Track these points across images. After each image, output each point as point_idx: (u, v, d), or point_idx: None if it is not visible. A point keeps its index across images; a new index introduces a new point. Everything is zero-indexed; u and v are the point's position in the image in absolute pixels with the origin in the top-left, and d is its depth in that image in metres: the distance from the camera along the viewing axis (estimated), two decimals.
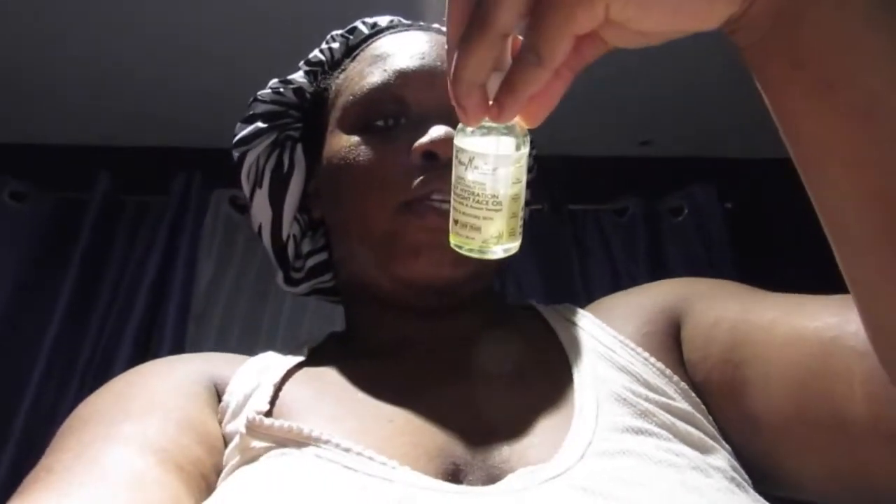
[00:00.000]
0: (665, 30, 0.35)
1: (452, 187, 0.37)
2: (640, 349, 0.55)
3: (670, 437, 0.48)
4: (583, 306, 0.64)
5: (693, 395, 0.52)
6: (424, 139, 0.54)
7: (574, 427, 0.47)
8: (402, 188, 0.55)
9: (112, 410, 0.48)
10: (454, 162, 0.37)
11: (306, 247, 0.69)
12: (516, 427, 0.49)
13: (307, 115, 0.68)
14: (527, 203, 0.41)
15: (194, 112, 1.79)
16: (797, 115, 0.36)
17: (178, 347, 1.61)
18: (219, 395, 0.54)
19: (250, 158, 0.66)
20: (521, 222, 0.38)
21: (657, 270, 1.78)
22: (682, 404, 0.51)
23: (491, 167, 0.35)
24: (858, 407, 0.43)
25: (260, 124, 0.66)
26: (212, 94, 1.70)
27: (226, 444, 0.50)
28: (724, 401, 0.51)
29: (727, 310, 0.53)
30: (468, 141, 0.36)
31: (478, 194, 0.36)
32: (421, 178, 0.54)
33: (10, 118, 1.89)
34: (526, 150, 0.36)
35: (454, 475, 0.45)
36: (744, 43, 0.37)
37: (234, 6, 1.54)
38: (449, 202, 0.53)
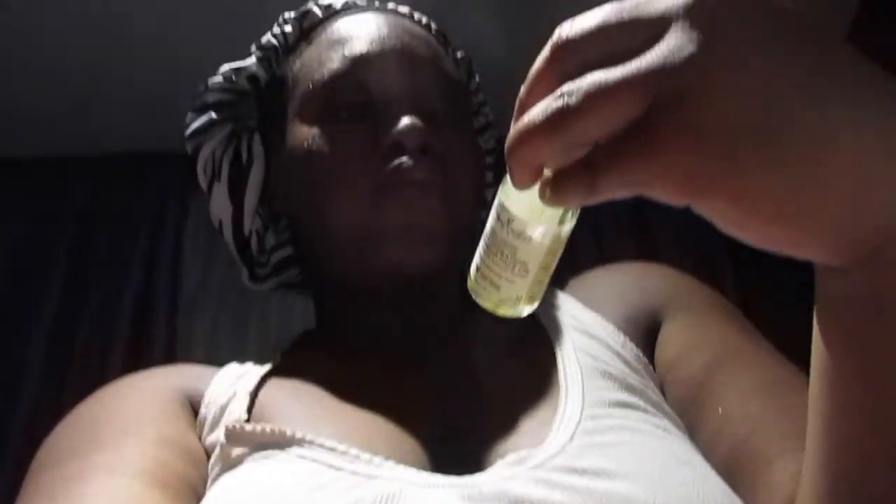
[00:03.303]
0: (756, 241, 0.28)
1: (484, 234, 0.35)
2: (619, 332, 0.55)
3: (656, 412, 0.48)
4: (566, 277, 0.63)
5: (660, 391, 0.52)
6: (392, 130, 0.53)
7: (561, 406, 0.46)
8: (369, 174, 0.53)
9: (83, 443, 0.46)
10: (492, 212, 0.34)
11: (270, 241, 0.67)
12: (503, 412, 0.48)
13: (263, 103, 0.65)
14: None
15: (165, 115, 1.76)
16: (848, 343, 0.31)
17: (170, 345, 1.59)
18: (194, 408, 0.52)
19: (206, 151, 0.64)
20: (543, 289, 0.36)
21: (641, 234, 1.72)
22: (658, 393, 0.51)
23: (528, 234, 0.33)
24: None
25: (213, 115, 0.63)
26: (182, 95, 1.66)
27: (208, 456, 0.49)
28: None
29: (707, 343, 0.52)
30: (510, 198, 0.33)
31: (507, 255, 0.34)
32: (388, 161, 0.53)
33: None
34: (571, 225, 0.33)
35: (442, 466, 0.44)
36: (838, 283, 0.30)
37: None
38: (420, 179, 0.52)
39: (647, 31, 0.27)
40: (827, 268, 0.29)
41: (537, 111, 0.28)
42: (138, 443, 0.45)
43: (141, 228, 1.74)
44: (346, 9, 0.64)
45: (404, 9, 0.65)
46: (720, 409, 0.48)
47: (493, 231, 0.34)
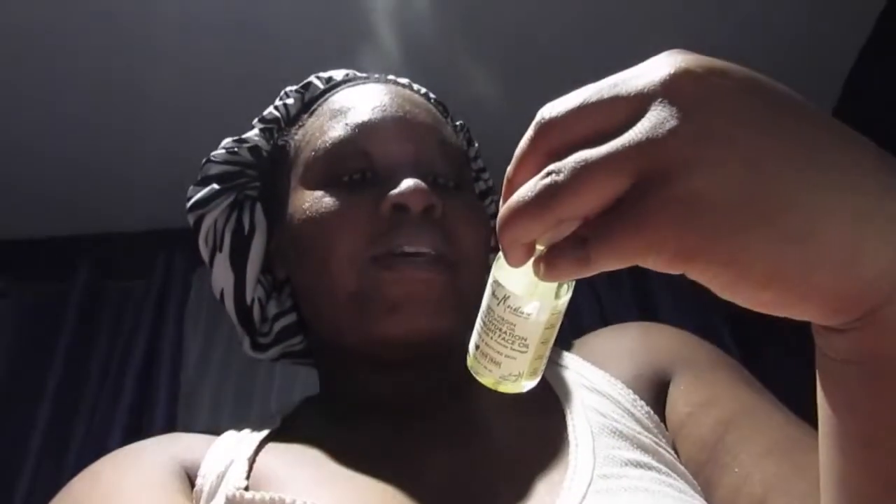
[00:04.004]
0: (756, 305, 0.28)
1: (481, 312, 0.35)
2: (629, 390, 0.54)
3: (669, 472, 0.47)
4: (569, 339, 0.62)
5: (672, 450, 0.51)
6: (395, 191, 0.53)
7: (571, 466, 0.45)
8: (370, 242, 0.53)
9: None
10: (488, 289, 0.34)
11: (273, 309, 0.67)
12: (512, 473, 0.47)
13: (264, 174, 0.66)
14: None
15: (167, 194, 1.79)
16: (852, 406, 0.31)
17: (170, 429, 1.56)
18: (190, 479, 0.51)
19: (208, 222, 0.64)
20: (544, 363, 0.36)
21: (643, 300, 1.73)
22: (671, 452, 0.50)
23: (525, 310, 0.33)
24: None
25: (215, 186, 0.64)
26: (183, 176, 1.69)
27: None
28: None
29: (718, 401, 0.52)
30: (505, 275, 0.33)
31: (505, 332, 0.34)
32: (391, 230, 0.53)
33: None
34: (567, 297, 0.34)
35: None
36: (836, 343, 0.30)
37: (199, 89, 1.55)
38: (421, 254, 0.53)
39: (627, 108, 0.27)
40: (824, 328, 0.29)
41: (526, 189, 0.29)
42: None
43: (144, 306, 1.75)
44: (347, 81, 0.66)
45: (403, 80, 0.67)
46: (736, 469, 0.47)
47: (489, 308, 0.34)
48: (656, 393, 0.55)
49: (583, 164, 0.27)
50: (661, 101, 0.27)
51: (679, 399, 0.53)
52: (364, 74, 0.67)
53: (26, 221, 1.91)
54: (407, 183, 0.53)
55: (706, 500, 0.47)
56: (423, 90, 0.68)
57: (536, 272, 0.30)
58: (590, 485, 0.43)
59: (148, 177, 1.78)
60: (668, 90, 0.27)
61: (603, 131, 0.28)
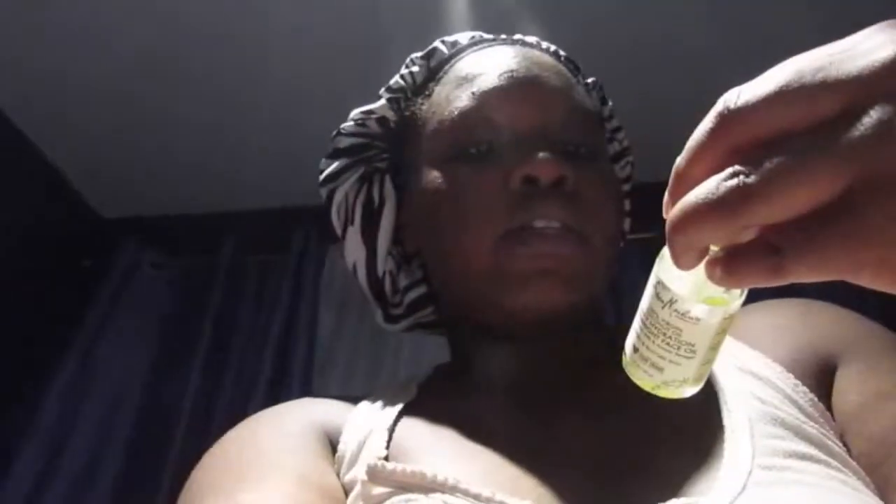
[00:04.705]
0: None
1: (641, 312, 0.32)
2: (790, 374, 0.49)
3: (840, 465, 0.42)
4: None
5: (841, 443, 0.45)
6: (524, 164, 0.51)
7: (728, 453, 0.42)
8: (502, 217, 0.52)
9: (227, 478, 0.47)
10: (649, 289, 0.32)
11: (403, 281, 0.67)
12: (658, 455, 0.44)
13: (393, 145, 0.65)
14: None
15: (305, 172, 1.85)
16: None
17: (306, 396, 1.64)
18: (333, 444, 0.52)
19: (339, 196, 0.65)
20: (710, 368, 0.33)
21: None
22: (840, 445, 0.45)
23: (694, 315, 0.30)
24: None
25: (345, 159, 0.64)
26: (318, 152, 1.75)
27: (346, 493, 0.48)
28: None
29: (895, 395, 0.46)
30: (670, 276, 0.30)
31: (670, 337, 0.31)
32: (522, 204, 0.51)
33: (143, 191, 2.04)
34: (741, 300, 0.30)
35: None
36: None
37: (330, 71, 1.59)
38: (553, 228, 0.51)
39: (838, 100, 0.23)
40: None
41: (707, 190, 0.25)
42: (281, 483, 0.45)
43: (282, 280, 1.84)
44: (473, 44, 0.64)
45: (532, 39, 0.64)
46: None
47: (652, 310, 0.31)
48: (820, 379, 0.49)
49: (784, 165, 0.23)
50: (882, 95, 0.22)
51: (850, 388, 0.48)
52: (490, 36, 0.65)
53: (179, 198, 2.05)
54: (536, 154, 0.51)
55: (883, 501, 0.41)
56: (553, 48, 0.64)
57: (711, 276, 0.27)
58: (749, 475, 0.40)
59: (290, 154, 1.85)
60: (891, 80, 0.22)
61: (802, 126, 0.24)
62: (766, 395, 0.47)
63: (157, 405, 1.72)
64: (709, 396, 0.48)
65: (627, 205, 0.67)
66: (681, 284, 0.30)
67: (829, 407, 0.48)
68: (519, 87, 0.56)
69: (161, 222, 2.08)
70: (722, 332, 0.31)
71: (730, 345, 0.53)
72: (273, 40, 1.61)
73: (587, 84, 0.65)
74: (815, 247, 0.23)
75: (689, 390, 0.33)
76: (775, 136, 0.24)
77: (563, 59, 0.64)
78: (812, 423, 0.45)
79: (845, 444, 0.46)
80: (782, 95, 0.24)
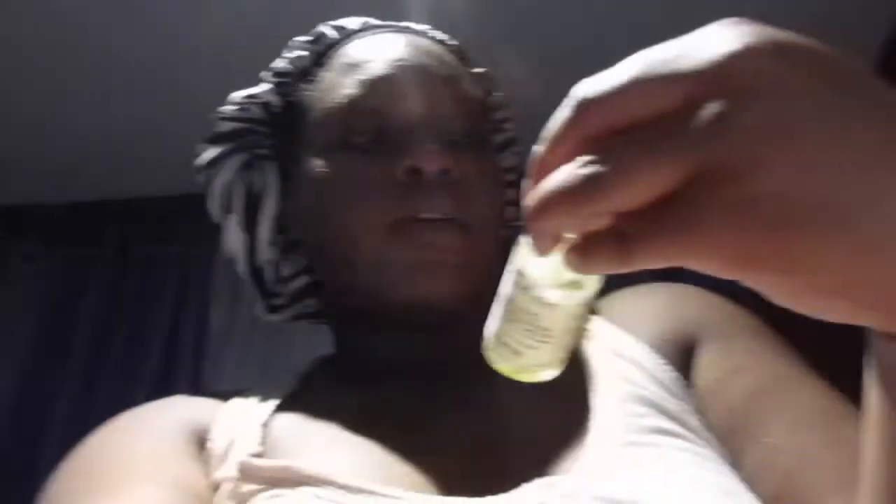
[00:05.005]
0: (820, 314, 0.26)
1: (500, 298, 0.33)
2: (656, 355, 0.52)
3: (697, 439, 0.45)
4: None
5: (700, 417, 0.49)
6: (409, 155, 0.51)
7: (595, 431, 0.44)
8: (387, 208, 0.52)
9: (84, 486, 0.45)
10: (508, 276, 0.32)
11: (286, 271, 0.65)
12: (530, 437, 0.46)
13: (277, 131, 0.64)
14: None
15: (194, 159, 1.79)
16: None
17: (197, 393, 1.59)
18: (202, 441, 0.50)
19: (218, 182, 0.63)
20: (569, 353, 0.34)
21: None
22: (698, 419, 0.48)
23: (551, 301, 0.31)
24: None
25: (225, 144, 0.62)
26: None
27: (215, 492, 0.46)
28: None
29: (750, 369, 0.50)
30: (529, 264, 0.31)
31: (528, 322, 0.32)
32: (407, 195, 0.51)
33: (13, 179, 1.90)
34: (596, 287, 0.31)
35: (465, 493, 0.41)
36: None
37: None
38: (438, 218, 0.51)
39: (682, 92, 0.24)
40: (886, 334, 0.27)
41: (562, 178, 0.26)
42: (144, 489, 0.44)
43: (169, 271, 1.77)
44: (361, 30, 0.63)
45: (421, 27, 0.64)
46: (767, 439, 0.45)
47: (511, 297, 0.32)
48: (683, 358, 0.52)
49: (631, 155, 0.24)
50: (722, 87, 0.23)
51: (709, 365, 0.51)
52: (379, 22, 0.64)
53: (55, 186, 1.93)
54: (421, 145, 0.51)
55: (734, 469, 0.45)
56: (442, 37, 0.65)
57: (566, 262, 0.27)
58: (613, 451, 0.42)
59: (176, 142, 1.78)
60: (730, 74, 0.23)
61: (652, 116, 0.25)
62: (634, 376, 0.49)
63: (32, 407, 1.62)
64: (582, 379, 0.50)
65: (515, 194, 0.69)
66: (539, 271, 0.30)
67: (691, 384, 0.51)
68: (406, 77, 0.56)
69: (35, 211, 1.95)
70: (578, 317, 0.32)
71: (603, 329, 0.55)
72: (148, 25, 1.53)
73: (475, 73, 0.66)
74: (655, 234, 0.24)
75: (548, 373, 0.34)
76: (627, 125, 0.25)
77: (452, 47, 0.64)
78: (674, 400, 0.48)
79: (704, 418, 0.49)
80: (632, 86, 0.25)
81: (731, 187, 0.23)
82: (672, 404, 0.47)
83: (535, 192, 0.27)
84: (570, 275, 0.29)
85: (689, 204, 0.24)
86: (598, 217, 0.26)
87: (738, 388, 0.49)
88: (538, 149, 0.28)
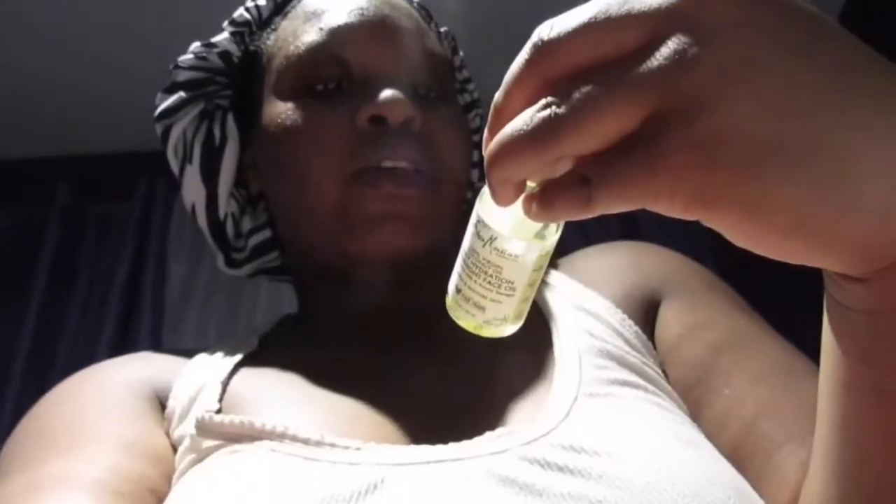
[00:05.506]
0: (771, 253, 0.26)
1: (463, 252, 0.32)
2: (618, 309, 0.52)
3: (657, 390, 0.46)
4: (554, 258, 0.61)
5: (660, 370, 0.50)
6: (372, 102, 0.50)
7: (557, 383, 0.44)
8: (349, 157, 0.51)
9: (39, 450, 0.44)
10: (470, 228, 0.31)
11: (247, 224, 0.65)
12: (493, 390, 0.46)
13: (236, 81, 0.62)
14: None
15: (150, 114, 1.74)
16: (866, 355, 0.30)
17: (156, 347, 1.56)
18: (162, 400, 0.50)
19: (176, 132, 0.61)
20: (529, 305, 0.33)
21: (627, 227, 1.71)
22: (658, 371, 0.49)
23: (513, 252, 0.30)
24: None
25: (183, 93, 0.60)
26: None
27: (176, 450, 0.46)
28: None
29: (712, 324, 0.51)
30: (490, 214, 0.30)
31: (491, 275, 0.31)
32: (369, 144, 0.50)
33: None
34: (557, 236, 0.31)
35: (427, 442, 0.41)
36: (855, 293, 0.28)
37: None
38: (401, 169, 0.50)
39: (641, 30, 0.24)
40: (842, 277, 0.27)
41: (520, 122, 0.25)
42: (95, 450, 0.43)
43: (126, 229, 1.72)
44: None
45: None
46: (727, 392, 0.47)
47: (473, 250, 0.31)
48: (646, 314, 0.53)
49: (590, 95, 0.24)
50: (682, 25, 0.23)
51: (672, 320, 0.52)
52: None
53: (1, 142, 1.86)
54: (385, 93, 0.50)
55: (694, 421, 0.46)
56: None
57: (527, 211, 0.27)
58: (574, 402, 0.42)
59: (130, 95, 1.73)
60: (691, 11, 0.23)
61: (611, 56, 0.24)
62: (596, 330, 0.50)
63: None
64: (545, 333, 0.50)
65: (476, 156, 0.69)
66: (501, 222, 0.30)
67: (652, 339, 0.53)
68: (370, 26, 0.55)
69: None
70: (539, 268, 0.32)
71: (566, 284, 0.56)
72: None
73: (439, 32, 0.65)
74: (616, 176, 0.24)
75: (510, 328, 0.33)
76: (586, 67, 0.25)
77: (416, 4, 0.63)
78: (635, 353, 0.49)
79: (665, 372, 0.50)
80: (590, 27, 0.24)
81: (694, 124, 0.23)
82: (634, 358, 0.48)
83: (495, 139, 0.26)
84: (532, 225, 0.29)
85: (652, 142, 0.23)
86: (558, 163, 0.26)
87: (701, 343, 0.50)
88: (497, 95, 0.27)
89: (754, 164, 0.23)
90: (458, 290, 0.33)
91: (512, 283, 0.31)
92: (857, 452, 0.32)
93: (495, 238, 0.30)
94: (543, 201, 0.26)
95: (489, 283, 0.31)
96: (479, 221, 0.31)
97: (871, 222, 0.23)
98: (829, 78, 0.23)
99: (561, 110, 0.24)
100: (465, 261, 0.32)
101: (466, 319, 0.33)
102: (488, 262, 0.31)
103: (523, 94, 0.26)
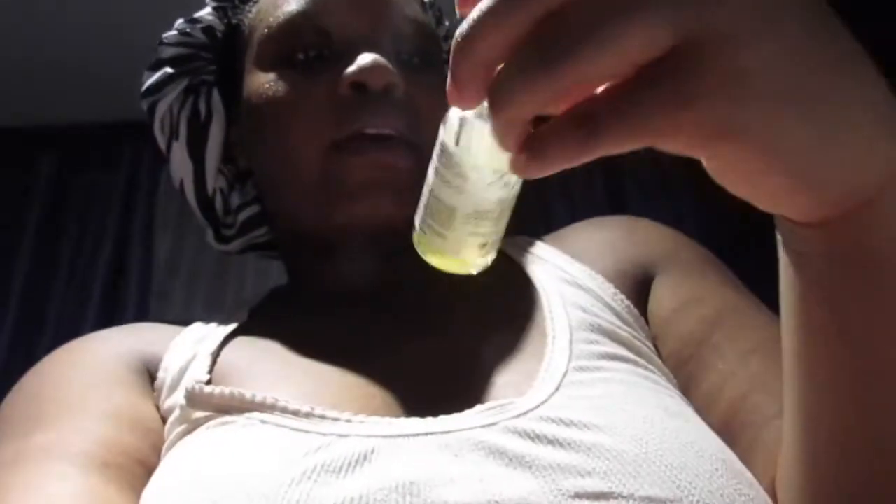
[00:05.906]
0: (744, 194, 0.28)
1: (427, 184, 0.32)
2: (610, 284, 0.53)
3: (647, 364, 0.47)
4: (541, 232, 0.61)
5: (652, 345, 0.50)
6: (352, 68, 0.50)
7: (548, 357, 0.45)
8: (331, 125, 0.51)
9: (25, 421, 0.45)
10: (435, 157, 0.30)
11: (236, 200, 0.65)
12: (484, 363, 0.46)
13: (221, 55, 0.62)
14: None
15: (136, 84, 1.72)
16: (826, 298, 0.31)
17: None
18: (151, 372, 0.50)
19: (162, 108, 0.61)
20: (498, 243, 0.33)
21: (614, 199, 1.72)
22: (650, 346, 0.50)
23: (480, 182, 0.30)
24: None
25: (168, 70, 0.60)
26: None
27: (165, 422, 0.47)
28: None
29: (704, 299, 0.51)
30: (458, 145, 0.29)
31: (457, 207, 0.30)
32: (351, 111, 0.50)
33: None
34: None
35: (417, 414, 0.42)
36: (814, 239, 0.29)
37: None
38: (384, 136, 0.50)
39: None
40: (802, 225, 0.29)
41: (531, 50, 0.23)
42: (83, 421, 0.44)
43: (111, 201, 1.71)
44: None
45: None
46: (720, 366, 0.47)
47: (438, 180, 0.31)
48: (639, 288, 0.54)
49: (613, 15, 0.22)
50: None
51: (664, 296, 0.53)
52: None
53: None
54: (364, 58, 0.50)
55: (686, 396, 0.47)
56: None
57: (516, 166, 0.26)
58: (565, 375, 0.43)
59: (115, 66, 1.70)
60: None
61: None
62: (588, 304, 0.50)
63: None
64: (537, 307, 0.51)
65: None
66: (467, 154, 0.29)
67: (644, 314, 0.53)
68: None
69: None
70: (509, 199, 0.31)
71: (557, 257, 0.56)
72: None
73: (423, 2, 0.65)
74: (634, 107, 0.23)
75: (477, 263, 0.33)
76: None
77: None
78: (626, 328, 0.49)
79: (657, 348, 0.51)
80: None
81: (723, 58, 0.23)
82: (625, 332, 0.48)
83: (501, 73, 0.25)
84: (500, 160, 0.28)
85: (675, 75, 0.23)
86: (561, 95, 0.24)
87: (693, 318, 0.50)
88: (482, 17, 0.25)
89: (782, 101, 0.24)
90: (423, 220, 0.33)
91: (482, 215, 0.31)
92: (823, 397, 0.34)
93: (461, 168, 0.30)
94: (535, 145, 0.25)
95: (454, 214, 0.31)
96: (444, 151, 0.30)
97: (856, 159, 0.26)
98: (827, 36, 0.25)
99: (580, 32, 0.23)
100: (430, 193, 0.32)
101: (431, 252, 0.33)
102: (452, 192, 0.30)
103: (521, 21, 0.24)
